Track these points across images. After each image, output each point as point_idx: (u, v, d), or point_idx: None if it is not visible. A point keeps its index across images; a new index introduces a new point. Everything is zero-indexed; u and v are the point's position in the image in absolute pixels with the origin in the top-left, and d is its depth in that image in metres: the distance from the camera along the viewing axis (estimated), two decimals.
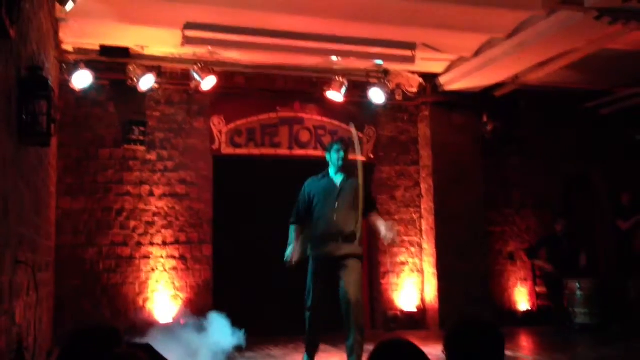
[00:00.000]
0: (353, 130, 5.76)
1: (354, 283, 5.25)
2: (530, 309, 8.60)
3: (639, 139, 8.79)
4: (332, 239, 5.28)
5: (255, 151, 7.84)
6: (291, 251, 5.39)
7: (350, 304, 5.20)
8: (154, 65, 7.23)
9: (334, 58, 7.32)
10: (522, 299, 8.64)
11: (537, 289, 8.60)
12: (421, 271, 8.38)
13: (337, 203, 5.33)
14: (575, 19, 5.88)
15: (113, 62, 7.04)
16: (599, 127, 9.00)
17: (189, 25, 6.38)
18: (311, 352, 5.50)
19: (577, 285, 7.73)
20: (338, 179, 5.48)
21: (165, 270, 7.32)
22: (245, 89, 7.86)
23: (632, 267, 8.37)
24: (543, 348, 6.93)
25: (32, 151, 4.23)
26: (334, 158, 5.47)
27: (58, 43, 6.46)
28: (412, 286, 8.32)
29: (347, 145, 5.58)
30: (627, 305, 8.31)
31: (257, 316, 6.92)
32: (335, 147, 5.50)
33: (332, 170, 5.52)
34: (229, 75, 7.67)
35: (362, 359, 5.22)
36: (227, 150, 7.73)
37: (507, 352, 2.21)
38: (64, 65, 6.72)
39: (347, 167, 5.48)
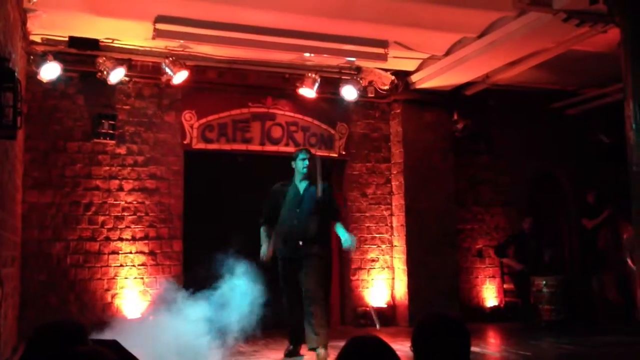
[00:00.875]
0: (318, 163, 5.97)
1: (311, 279, 5.61)
2: (497, 305, 8.74)
3: (604, 140, 8.97)
4: (294, 243, 5.70)
5: (226, 146, 7.79)
6: (265, 249, 5.82)
7: (308, 298, 5.56)
8: (125, 58, 7.14)
9: (306, 54, 7.32)
10: (490, 296, 8.77)
11: (505, 286, 8.73)
12: (391, 268, 8.44)
13: (298, 209, 5.75)
14: (544, 21, 5.98)
15: (82, 54, 6.93)
16: (566, 127, 9.17)
17: (160, 19, 6.32)
18: (296, 341, 5.85)
19: (544, 282, 7.87)
20: (302, 186, 5.87)
21: (135, 266, 7.25)
22: (217, 84, 7.80)
23: (596, 265, 8.55)
24: (509, 344, 7.04)
25: None
26: (299, 166, 5.85)
27: (26, 34, 6.34)
28: (382, 283, 8.38)
29: (312, 154, 6.00)
30: (591, 301, 8.50)
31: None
32: (301, 155, 5.87)
33: (297, 178, 5.89)
34: (200, 70, 7.61)
35: (329, 353, 5.35)
36: (198, 145, 7.67)
37: (474, 348, 2.24)
38: (31, 56, 6.59)
39: (311, 175, 5.86)
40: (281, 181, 6.02)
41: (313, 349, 5.57)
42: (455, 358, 2.17)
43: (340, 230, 5.89)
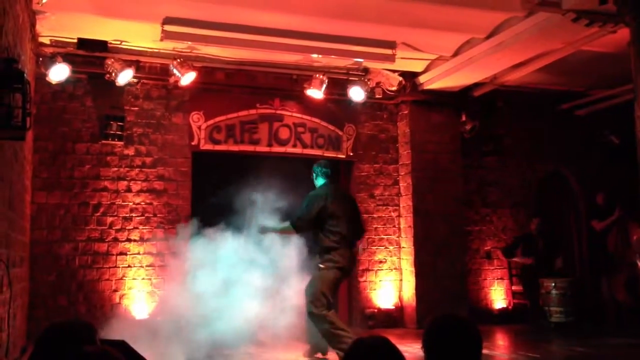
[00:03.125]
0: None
1: (307, 291, 5.73)
2: (506, 307, 8.69)
3: (614, 141, 8.92)
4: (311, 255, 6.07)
5: (234, 148, 7.80)
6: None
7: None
8: (133, 59, 7.17)
9: (314, 55, 7.31)
10: (498, 298, 8.73)
11: (514, 288, 8.69)
12: (399, 269, 8.42)
13: None
14: (553, 21, 5.95)
15: (91, 55, 6.96)
16: (574, 128, 9.11)
17: (168, 20, 6.34)
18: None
19: (553, 284, 7.83)
20: None
21: (142, 267, 7.26)
22: (225, 85, 7.81)
23: (606, 267, 8.49)
24: (518, 346, 7.01)
25: (6, 145, 4.17)
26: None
27: (35, 35, 6.37)
28: (390, 284, 8.36)
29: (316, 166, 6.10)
30: (600, 303, 8.44)
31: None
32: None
33: None
34: (208, 71, 7.63)
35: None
36: (206, 146, 7.68)
37: (483, 351, 2.22)
38: (40, 58, 6.63)
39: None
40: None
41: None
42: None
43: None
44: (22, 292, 5.82)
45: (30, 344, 5.56)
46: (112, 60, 6.96)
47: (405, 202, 8.43)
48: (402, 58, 7.36)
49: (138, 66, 7.22)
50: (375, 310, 8.20)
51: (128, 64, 7.03)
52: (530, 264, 8.40)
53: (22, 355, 5.22)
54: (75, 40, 6.79)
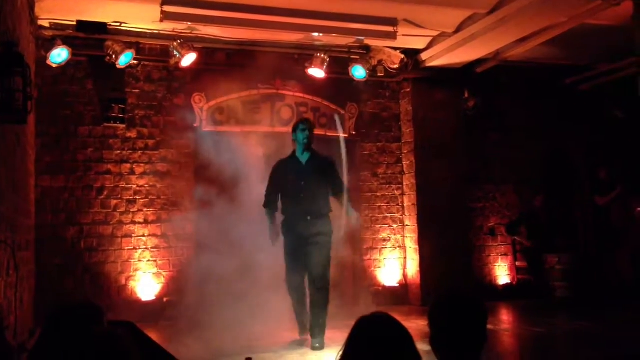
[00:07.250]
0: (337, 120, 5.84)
1: (320, 264, 5.46)
2: (510, 282, 8.73)
3: (619, 115, 8.87)
4: (301, 218, 5.51)
5: (236, 128, 7.78)
6: (270, 233, 5.71)
7: (316, 287, 5.44)
8: (133, 41, 7.13)
9: (315, 34, 7.26)
10: (502, 274, 8.76)
11: (517, 264, 8.71)
12: (403, 247, 8.45)
13: (303, 182, 5.55)
14: None
15: (90, 38, 6.93)
16: (578, 103, 9.05)
17: (167, 1, 6.28)
18: (303, 325, 5.76)
19: (557, 259, 7.85)
20: (304, 158, 5.68)
21: (148, 249, 7.30)
22: (226, 66, 7.78)
23: (610, 241, 8.50)
24: (522, 321, 7.05)
25: (8, 129, 4.17)
26: (299, 138, 5.65)
27: (34, 18, 6.33)
28: (395, 262, 8.39)
29: (311, 124, 5.80)
30: (604, 278, 8.47)
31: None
32: (300, 126, 5.68)
33: (298, 150, 5.71)
34: (209, 52, 7.59)
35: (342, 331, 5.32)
36: (208, 127, 7.67)
37: (488, 326, 2.23)
38: (40, 41, 6.60)
39: (312, 146, 5.73)
40: (281, 158, 5.91)
41: (312, 337, 5.51)
42: (471, 335, 2.17)
43: (347, 205, 5.69)
44: (29, 276, 5.86)
45: (38, 327, 5.61)
46: (112, 42, 6.92)
47: (409, 180, 8.43)
48: (403, 35, 7.30)
49: (138, 48, 7.19)
50: (380, 288, 8.24)
51: (128, 46, 6.99)
52: (529, 246, 8.43)
53: (30, 338, 5.27)
54: (75, 23, 6.75)
